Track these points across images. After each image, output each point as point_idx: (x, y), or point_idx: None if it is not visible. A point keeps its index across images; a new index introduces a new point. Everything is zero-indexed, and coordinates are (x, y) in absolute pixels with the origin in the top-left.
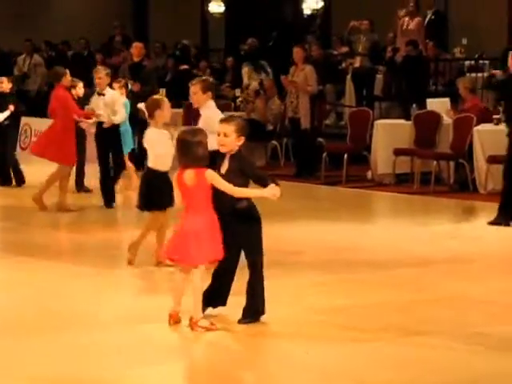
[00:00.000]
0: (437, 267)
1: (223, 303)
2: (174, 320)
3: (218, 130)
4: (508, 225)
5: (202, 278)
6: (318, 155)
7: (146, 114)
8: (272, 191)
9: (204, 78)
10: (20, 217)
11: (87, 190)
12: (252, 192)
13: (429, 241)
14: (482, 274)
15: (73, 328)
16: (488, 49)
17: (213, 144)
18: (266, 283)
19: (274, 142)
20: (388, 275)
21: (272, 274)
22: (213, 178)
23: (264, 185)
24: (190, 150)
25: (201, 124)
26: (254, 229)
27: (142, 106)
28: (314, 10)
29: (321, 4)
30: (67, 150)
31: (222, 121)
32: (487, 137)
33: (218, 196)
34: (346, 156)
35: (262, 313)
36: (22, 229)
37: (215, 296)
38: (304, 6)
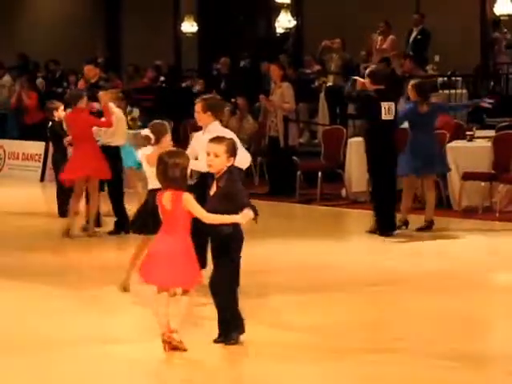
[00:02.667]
0: (410, 284)
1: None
2: (170, 347)
3: (208, 149)
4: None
5: (190, 304)
6: (292, 173)
7: (153, 139)
8: (244, 218)
9: (208, 96)
10: None
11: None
12: (224, 218)
13: (402, 258)
14: (456, 290)
15: (41, 349)
16: (460, 66)
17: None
18: (241, 303)
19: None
20: (362, 292)
21: (245, 292)
22: (187, 201)
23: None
24: (168, 172)
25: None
26: (232, 257)
27: (147, 132)
28: (286, 28)
29: (293, 23)
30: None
31: (212, 140)
32: (461, 153)
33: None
34: (320, 174)
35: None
36: None
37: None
38: (277, 24)
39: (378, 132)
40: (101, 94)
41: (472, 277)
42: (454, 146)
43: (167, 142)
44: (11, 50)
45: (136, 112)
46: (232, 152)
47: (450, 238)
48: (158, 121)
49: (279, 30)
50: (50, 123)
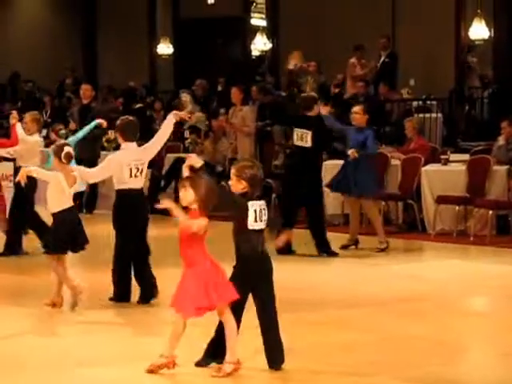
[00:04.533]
0: (385, 307)
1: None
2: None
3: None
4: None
5: (182, 325)
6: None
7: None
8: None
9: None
10: None
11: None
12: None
13: (378, 281)
14: (430, 313)
15: (11, 371)
16: (435, 90)
17: None
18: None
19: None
20: (336, 315)
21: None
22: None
23: None
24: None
25: None
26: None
27: (69, 149)
28: (262, 51)
29: (269, 46)
30: None
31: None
32: (435, 177)
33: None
34: None
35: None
36: None
37: (218, 349)
38: (252, 47)
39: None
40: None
41: (445, 301)
42: (429, 170)
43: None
44: None
45: (111, 134)
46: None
47: (424, 261)
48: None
49: (255, 52)
50: None
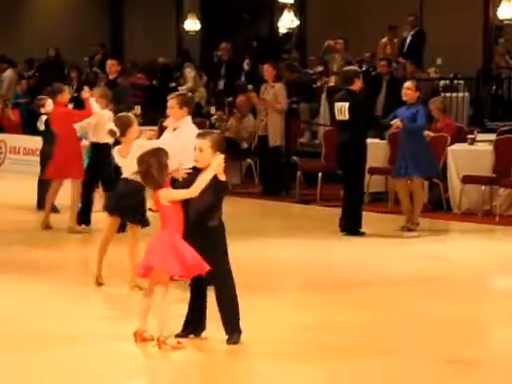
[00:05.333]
0: (408, 286)
1: (203, 328)
2: (141, 338)
3: (195, 145)
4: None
5: (165, 297)
6: (292, 173)
7: (118, 133)
8: (218, 165)
9: (182, 92)
10: None
11: (56, 210)
12: (203, 179)
13: (401, 260)
14: (454, 293)
15: (43, 345)
16: (462, 69)
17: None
18: (239, 302)
19: (249, 161)
20: (359, 294)
21: (244, 293)
22: (163, 196)
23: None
24: (147, 171)
25: (173, 139)
26: (220, 250)
27: (111, 126)
28: (289, 28)
29: (296, 23)
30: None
31: (199, 135)
32: (461, 156)
33: (188, 213)
34: (320, 175)
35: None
36: None
37: (195, 323)
38: (279, 24)
39: None
40: (94, 91)
41: (470, 280)
42: (455, 149)
43: (133, 134)
44: (13, 44)
45: (137, 109)
46: (217, 147)
47: (449, 241)
48: (122, 114)
49: (282, 29)
50: (45, 117)
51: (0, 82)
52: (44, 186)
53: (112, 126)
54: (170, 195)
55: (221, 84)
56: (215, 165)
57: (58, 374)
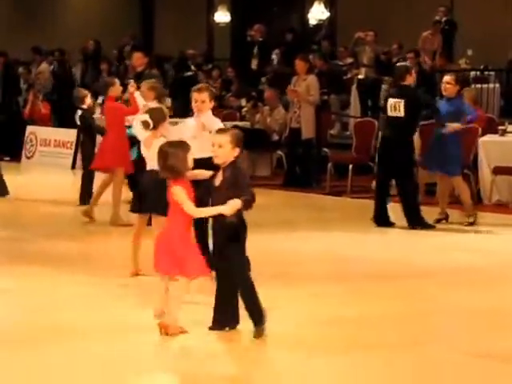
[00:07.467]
0: (440, 278)
1: (237, 321)
2: (165, 330)
3: (213, 140)
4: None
5: (185, 289)
6: (323, 165)
7: (152, 125)
8: (231, 208)
9: (207, 85)
10: (16, 226)
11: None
12: (210, 211)
13: (432, 251)
14: (485, 285)
15: (65, 338)
16: (493, 60)
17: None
18: (267, 294)
19: (279, 152)
20: (391, 286)
21: (273, 284)
22: (176, 194)
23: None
24: (166, 162)
25: (198, 130)
26: (239, 247)
27: (146, 117)
28: (319, 20)
29: (326, 14)
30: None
31: (218, 131)
32: (492, 148)
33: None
34: (351, 166)
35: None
36: (19, 237)
37: (228, 316)
38: (310, 16)
39: None
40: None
41: (501, 272)
42: (486, 140)
43: (165, 128)
44: (49, 37)
45: (168, 102)
46: (236, 142)
47: (480, 232)
48: (156, 106)
49: (312, 21)
50: (80, 112)
51: (35, 75)
52: (89, 181)
53: (147, 117)
54: (180, 197)
55: (254, 63)
56: (230, 208)
57: (78, 367)
